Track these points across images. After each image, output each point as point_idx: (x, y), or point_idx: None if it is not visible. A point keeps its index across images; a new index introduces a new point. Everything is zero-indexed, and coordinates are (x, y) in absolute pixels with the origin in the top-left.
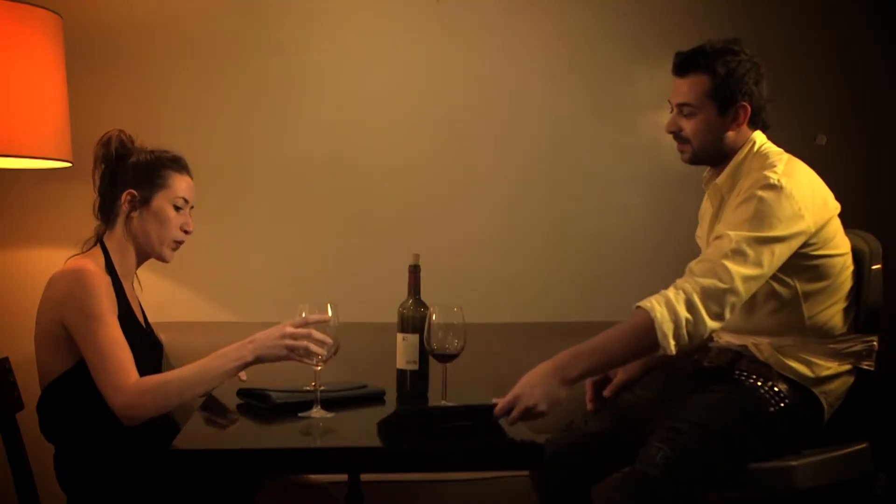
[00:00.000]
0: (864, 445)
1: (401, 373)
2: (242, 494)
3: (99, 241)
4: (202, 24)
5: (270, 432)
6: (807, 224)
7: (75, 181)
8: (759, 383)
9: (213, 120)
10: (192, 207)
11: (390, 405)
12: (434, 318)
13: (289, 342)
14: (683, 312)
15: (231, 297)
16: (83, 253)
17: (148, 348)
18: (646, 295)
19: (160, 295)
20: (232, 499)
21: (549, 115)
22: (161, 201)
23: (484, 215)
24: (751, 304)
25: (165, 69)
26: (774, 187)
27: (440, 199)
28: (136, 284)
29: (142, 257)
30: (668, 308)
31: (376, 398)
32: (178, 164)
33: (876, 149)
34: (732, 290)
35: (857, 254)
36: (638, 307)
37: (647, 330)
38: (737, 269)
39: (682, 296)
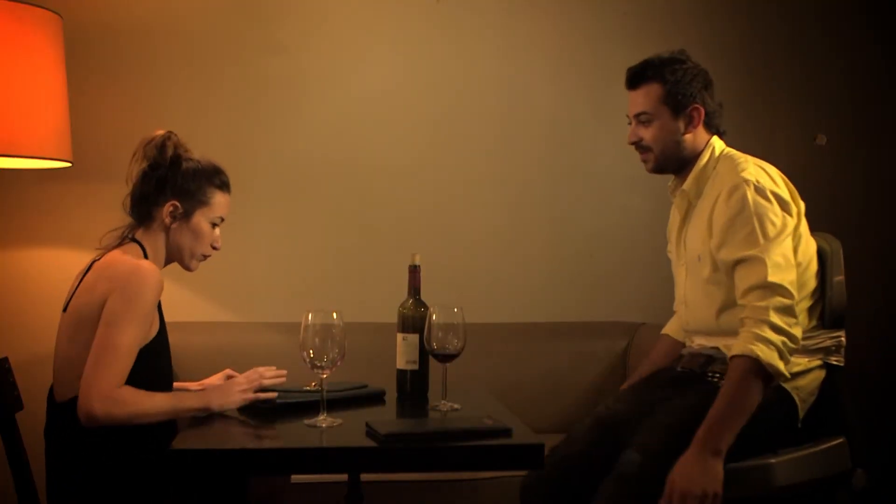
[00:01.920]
0: (840, 440)
1: (401, 373)
2: (237, 495)
3: (132, 236)
4: (202, 24)
5: (271, 432)
6: (793, 210)
7: (75, 181)
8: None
9: (213, 120)
10: (222, 221)
11: (390, 405)
12: (434, 318)
13: (244, 393)
14: (776, 337)
15: (231, 296)
16: (122, 248)
17: (166, 346)
18: (645, 294)
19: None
20: (227, 499)
21: (549, 115)
22: (200, 217)
23: (484, 215)
24: (720, 305)
25: (165, 69)
26: (757, 189)
27: (440, 199)
28: None
29: (166, 262)
30: (762, 342)
31: (377, 398)
32: (223, 183)
33: (876, 149)
34: (791, 296)
35: (820, 253)
36: (734, 357)
37: (758, 371)
38: (783, 278)
39: (764, 325)
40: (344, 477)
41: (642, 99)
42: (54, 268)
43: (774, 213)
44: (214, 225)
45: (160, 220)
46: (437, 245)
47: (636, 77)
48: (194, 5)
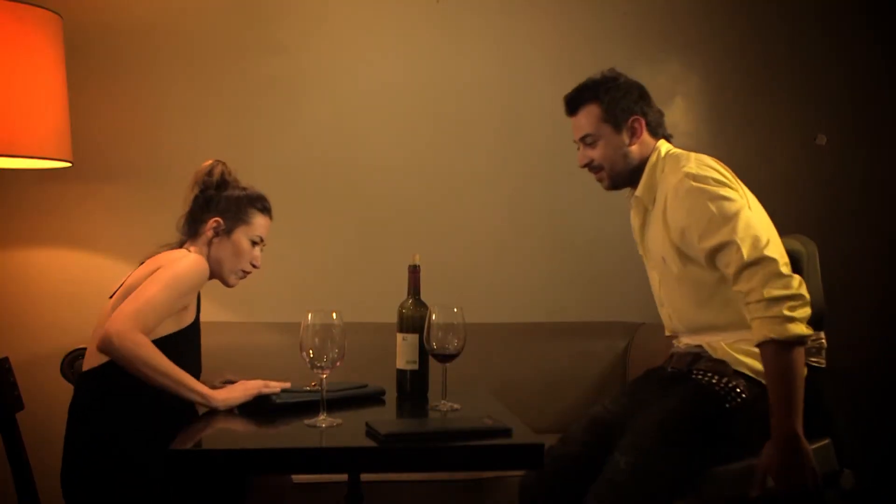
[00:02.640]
0: (826, 441)
1: (401, 373)
2: (235, 495)
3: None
4: (202, 24)
5: (270, 432)
6: (738, 190)
7: (75, 181)
8: (715, 381)
9: (212, 120)
10: (264, 245)
11: (391, 405)
12: (434, 318)
13: (246, 391)
14: (778, 309)
15: (231, 296)
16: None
17: (197, 341)
18: (645, 295)
19: None
20: (225, 499)
21: (549, 115)
22: (240, 235)
23: (484, 215)
24: (694, 300)
25: (165, 69)
26: (698, 177)
27: (440, 199)
28: None
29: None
30: (770, 322)
31: (376, 398)
32: (264, 206)
33: (876, 149)
34: (774, 260)
35: (795, 255)
36: (758, 346)
37: (783, 345)
38: (759, 249)
39: (763, 305)
40: (344, 477)
41: (583, 122)
42: (54, 268)
43: (723, 192)
44: (254, 244)
45: (204, 234)
46: (437, 245)
47: (573, 102)
48: (194, 5)
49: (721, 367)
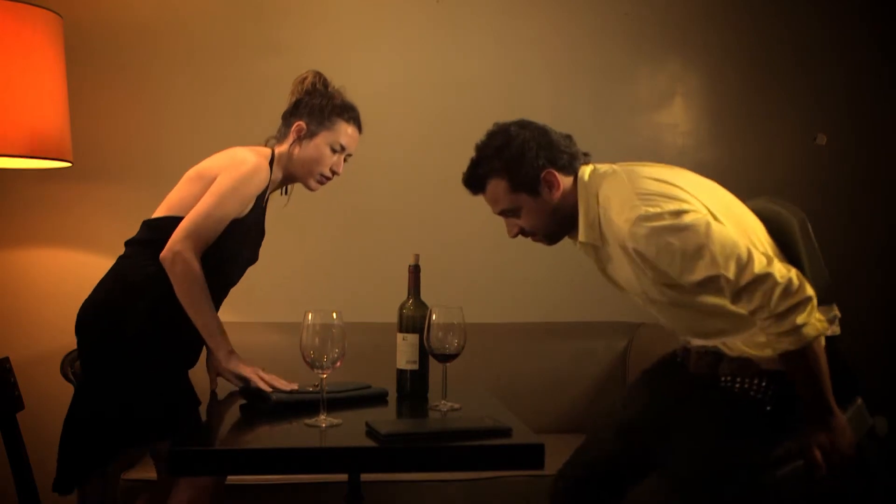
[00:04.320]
0: (857, 402)
1: (401, 373)
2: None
3: (272, 145)
4: (202, 24)
5: (271, 432)
6: (688, 201)
7: (75, 181)
8: (747, 384)
9: (212, 120)
10: (349, 155)
11: (391, 405)
12: (434, 318)
13: (254, 373)
14: (789, 322)
15: (231, 296)
16: (255, 147)
17: (248, 233)
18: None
19: None
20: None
21: (549, 115)
22: (322, 140)
23: (484, 215)
24: (695, 318)
25: (165, 69)
26: (645, 218)
27: (440, 199)
28: (280, 198)
29: (287, 178)
30: (785, 336)
31: (379, 399)
32: (350, 116)
33: (876, 149)
34: (764, 276)
35: (782, 226)
36: (784, 356)
37: (802, 350)
38: (745, 270)
39: (773, 322)
40: (344, 477)
41: (495, 198)
42: (54, 268)
43: (682, 220)
44: (335, 151)
45: (288, 137)
46: (437, 245)
47: (473, 184)
48: (194, 5)
49: (746, 365)
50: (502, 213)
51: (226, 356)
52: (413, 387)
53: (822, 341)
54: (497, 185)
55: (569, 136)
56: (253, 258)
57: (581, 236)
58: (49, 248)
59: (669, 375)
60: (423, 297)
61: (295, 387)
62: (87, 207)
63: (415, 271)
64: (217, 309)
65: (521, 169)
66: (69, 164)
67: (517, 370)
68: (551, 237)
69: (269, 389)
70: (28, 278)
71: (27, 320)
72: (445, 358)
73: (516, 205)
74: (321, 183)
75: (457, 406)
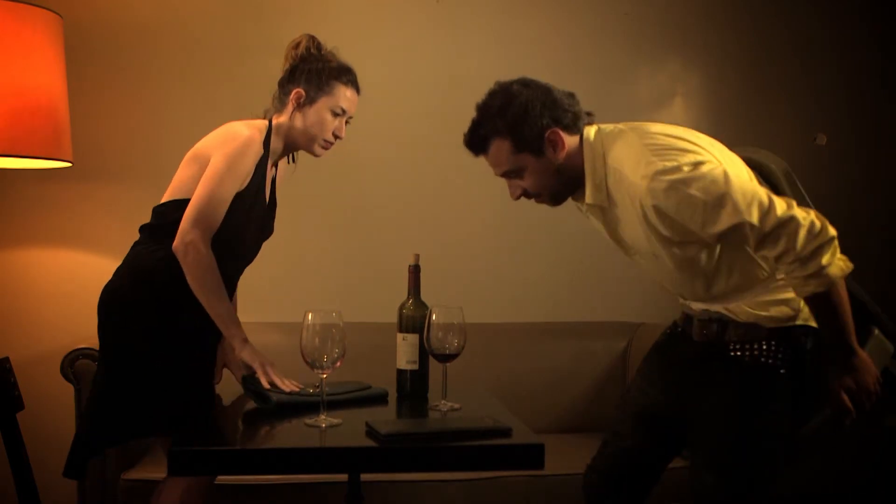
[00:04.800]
0: (875, 332)
1: (401, 373)
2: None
3: (269, 117)
4: (202, 25)
5: (271, 432)
6: (703, 147)
7: (75, 181)
8: (756, 351)
9: (213, 120)
10: (350, 118)
11: (391, 405)
12: (434, 318)
13: (262, 366)
14: (814, 265)
15: None
16: (250, 120)
17: (261, 221)
18: (645, 294)
19: None
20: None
21: None
22: (322, 106)
23: (484, 216)
24: (702, 280)
25: (165, 69)
26: (663, 172)
27: (441, 199)
28: (288, 166)
29: (290, 147)
30: (811, 280)
31: (380, 399)
32: (348, 79)
33: (876, 149)
34: (788, 218)
35: (769, 174)
36: (810, 299)
37: (827, 291)
38: (769, 214)
39: (798, 265)
40: (344, 477)
41: (498, 160)
42: (54, 268)
43: (700, 170)
44: (336, 115)
45: (288, 106)
46: (438, 245)
47: (475, 145)
48: (195, 5)
49: (753, 331)
50: (505, 174)
51: (240, 344)
52: (413, 387)
53: (844, 285)
54: (500, 146)
55: (572, 95)
56: (265, 231)
57: (588, 198)
58: (49, 248)
59: (676, 350)
60: (423, 297)
61: (297, 389)
62: (87, 207)
63: (415, 271)
64: (233, 289)
65: (524, 129)
66: (69, 164)
67: (517, 370)
68: (556, 197)
69: (267, 385)
70: (28, 278)
71: (27, 320)
72: (445, 358)
73: (519, 165)
74: (325, 148)
75: (457, 406)
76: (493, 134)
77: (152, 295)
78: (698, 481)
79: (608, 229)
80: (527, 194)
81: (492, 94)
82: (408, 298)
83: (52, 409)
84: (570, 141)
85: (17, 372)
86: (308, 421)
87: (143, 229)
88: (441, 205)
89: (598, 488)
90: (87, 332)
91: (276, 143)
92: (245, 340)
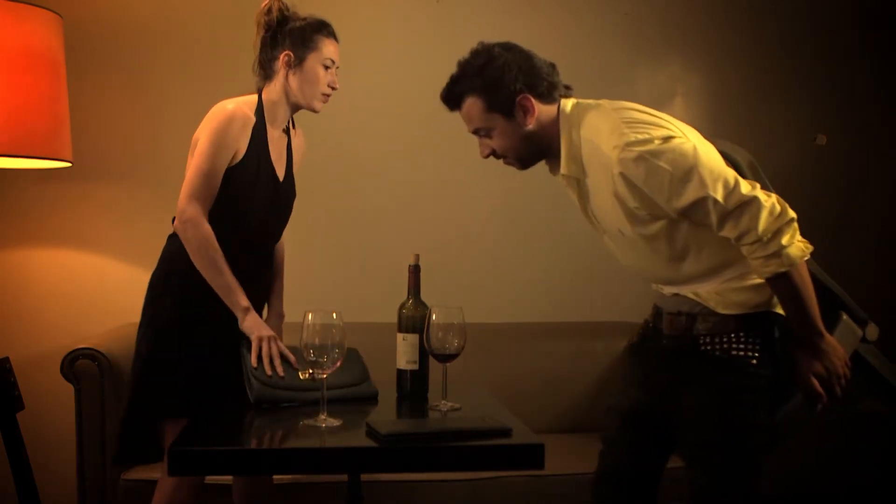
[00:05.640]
0: (843, 317)
1: (401, 373)
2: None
3: (258, 91)
4: (202, 25)
5: (271, 432)
6: (672, 126)
7: (75, 181)
8: (726, 344)
9: None
10: (337, 67)
11: (391, 405)
12: (434, 318)
13: (269, 343)
14: (774, 245)
15: None
16: (240, 98)
17: (271, 193)
18: (645, 294)
19: None
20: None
21: None
22: (312, 62)
23: (484, 216)
24: (667, 259)
25: (165, 69)
26: (634, 144)
27: (440, 199)
28: (295, 138)
29: (293, 108)
30: (770, 260)
31: (370, 399)
32: (328, 31)
33: (876, 149)
34: (750, 197)
35: (735, 163)
36: (772, 281)
37: (787, 272)
38: (731, 192)
39: (758, 246)
40: (344, 477)
41: (469, 117)
42: (54, 268)
43: (669, 144)
44: (326, 68)
45: (279, 71)
46: (438, 245)
47: (450, 100)
48: (194, 5)
49: (721, 322)
50: (475, 131)
51: (241, 313)
52: (413, 387)
53: (806, 267)
54: (473, 104)
55: (552, 65)
56: (279, 204)
57: (563, 169)
58: (49, 248)
59: (649, 348)
60: (423, 297)
61: (291, 358)
62: (87, 207)
63: (415, 271)
64: (254, 261)
65: (498, 90)
66: (69, 164)
67: (517, 370)
68: (522, 161)
69: (254, 363)
70: (28, 278)
71: (27, 320)
72: (445, 358)
73: (489, 125)
74: (324, 102)
75: (457, 406)
76: (468, 91)
77: (178, 278)
78: (692, 481)
79: (581, 203)
80: (495, 154)
81: (474, 54)
82: (408, 298)
83: (52, 409)
84: (543, 109)
85: (17, 372)
86: (308, 421)
87: (174, 220)
88: (441, 205)
89: (607, 500)
90: (87, 332)
91: (279, 111)
92: (247, 309)
